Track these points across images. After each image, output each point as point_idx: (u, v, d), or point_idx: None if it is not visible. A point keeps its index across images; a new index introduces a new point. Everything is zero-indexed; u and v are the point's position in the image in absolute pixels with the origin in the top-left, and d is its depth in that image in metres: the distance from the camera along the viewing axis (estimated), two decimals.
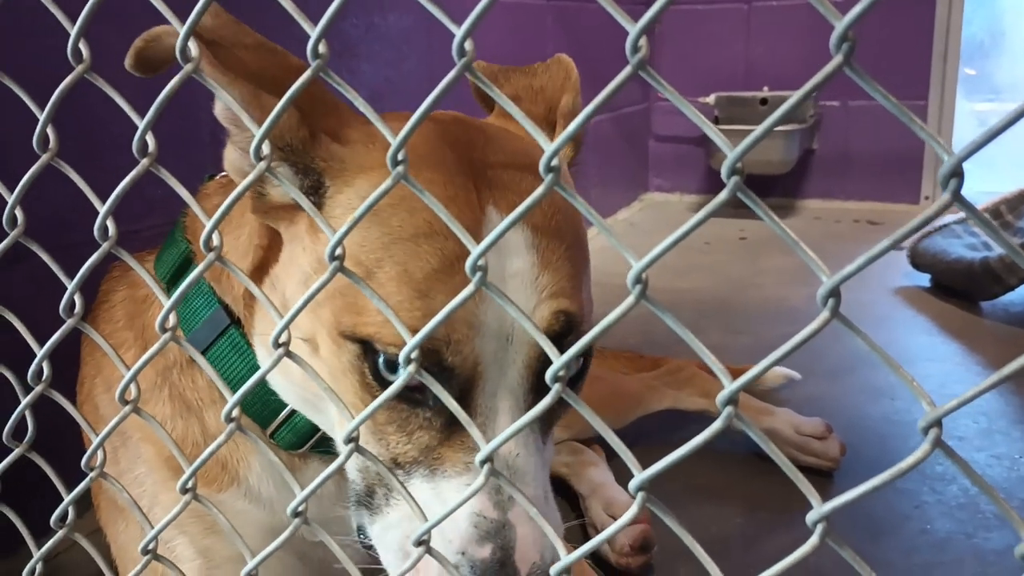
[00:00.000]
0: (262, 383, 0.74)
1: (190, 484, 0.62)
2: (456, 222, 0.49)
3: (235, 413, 0.58)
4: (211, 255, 0.56)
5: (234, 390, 0.74)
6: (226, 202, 0.53)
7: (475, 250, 0.49)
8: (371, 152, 0.64)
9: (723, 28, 3.39)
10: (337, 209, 0.63)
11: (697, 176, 3.51)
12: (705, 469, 1.36)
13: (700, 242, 2.82)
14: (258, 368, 0.73)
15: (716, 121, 3.29)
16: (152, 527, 0.66)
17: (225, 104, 0.62)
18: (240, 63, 0.61)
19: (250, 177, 0.53)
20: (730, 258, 2.70)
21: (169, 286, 0.79)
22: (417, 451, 0.63)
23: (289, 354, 0.55)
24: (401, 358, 0.50)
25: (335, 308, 0.62)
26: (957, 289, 2.20)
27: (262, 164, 0.52)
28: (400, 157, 0.48)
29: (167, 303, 0.59)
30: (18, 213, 0.67)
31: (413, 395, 0.62)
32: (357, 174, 0.63)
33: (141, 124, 0.56)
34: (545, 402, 0.48)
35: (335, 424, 0.69)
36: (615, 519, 1.29)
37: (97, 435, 0.68)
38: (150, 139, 0.56)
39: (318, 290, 0.52)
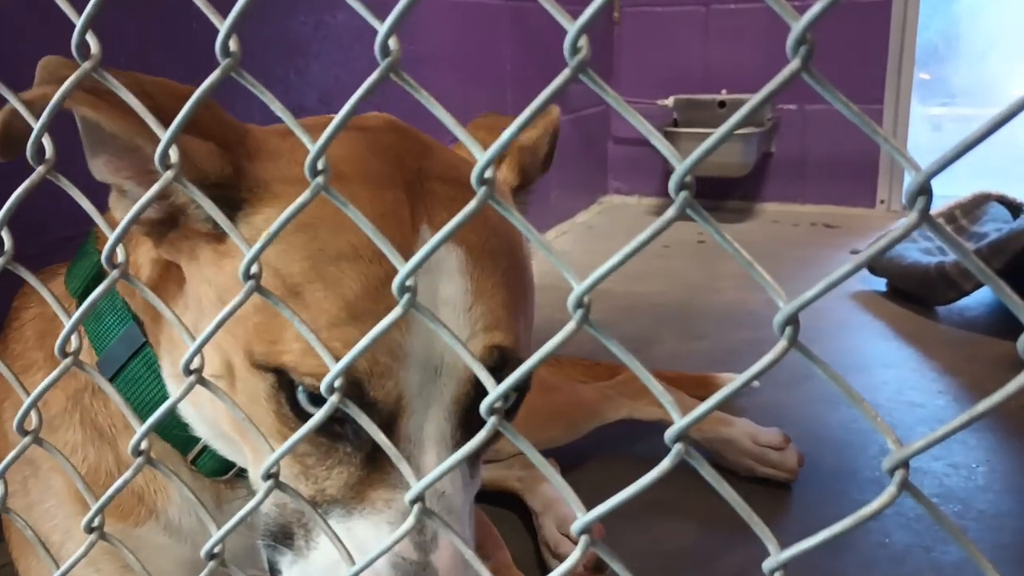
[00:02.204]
0: (176, 410, 0.69)
1: (96, 522, 0.56)
2: (385, 239, 0.45)
3: (143, 445, 0.53)
4: (115, 272, 0.50)
5: (149, 414, 0.69)
6: (127, 217, 0.48)
7: (403, 269, 0.44)
8: (290, 167, 0.59)
9: (681, 30, 3.38)
10: (251, 231, 0.57)
11: (656, 179, 3.49)
12: (661, 483, 1.32)
13: (658, 246, 2.80)
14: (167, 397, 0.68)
15: (675, 124, 3.28)
16: (58, 566, 0.60)
17: (114, 150, 0.58)
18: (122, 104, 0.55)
19: (156, 186, 0.47)
20: (688, 262, 2.68)
21: (80, 301, 0.73)
22: (336, 488, 0.58)
23: (203, 381, 0.50)
24: (323, 387, 0.45)
25: (247, 337, 0.57)
26: (913, 294, 2.20)
27: (169, 173, 0.47)
28: (320, 167, 0.44)
29: (68, 324, 0.53)
30: None
31: (334, 427, 0.57)
32: (275, 193, 0.58)
33: (36, 127, 0.50)
34: (480, 437, 0.44)
35: (249, 460, 0.64)
36: (569, 538, 1.26)
37: (3, 465, 0.63)
38: (47, 143, 0.51)
39: (232, 311, 0.47)
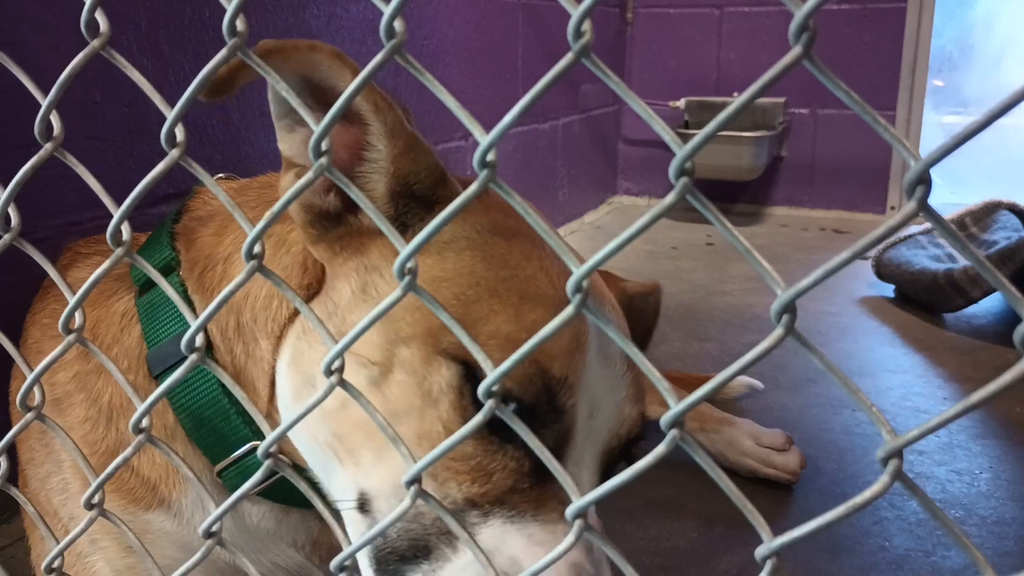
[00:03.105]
0: (224, 416, 0.68)
1: (96, 499, 0.57)
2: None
3: (144, 423, 0.53)
4: (119, 250, 0.51)
5: (192, 417, 0.69)
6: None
7: (403, 251, 0.44)
8: (487, 194, 0.61)
9: (694, 32, 3.37)
10: (445, 235, 0.61)
11: (666, 180, 3.47)
12: (662, 481, 1.33)
13: (667, 247, 2.79)
14: (218, 400, 0.68)
15: (686, 125, 3.28)
16: (58, 542, 0.61)
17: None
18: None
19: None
20: (696, 264, 2.68)
21: (142, 293, 0.73)
22: (500, 490, 0.57)
23: (204, 359, 0.50)
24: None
25: (434, 326, 0.57)
26: (921, 300, 2.20)
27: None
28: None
29: (72, 300, 0.54)
30: None
31: (510, 429, 0.56)
32: (471, 210, 0.61)
33: (44, 103, 0.51)
34: (478, 418, 0.44)
35: (349, 465, 0.60)
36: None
37: (3, 442, 0.63)
38: (55, 120, 0.51)
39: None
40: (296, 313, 0.66)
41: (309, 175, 0.46)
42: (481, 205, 0.63)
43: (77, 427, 0.70)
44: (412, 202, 0.62)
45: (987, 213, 2.43)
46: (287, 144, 0.62)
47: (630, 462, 0.66)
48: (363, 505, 0.60)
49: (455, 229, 0.61)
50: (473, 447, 0.56)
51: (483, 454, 0.57)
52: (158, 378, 0.70)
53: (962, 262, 2.11)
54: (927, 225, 2.51)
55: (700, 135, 0.36)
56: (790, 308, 0.36)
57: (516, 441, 0.57)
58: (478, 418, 0.44)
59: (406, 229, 0.63)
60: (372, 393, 0.58)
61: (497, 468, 0.57)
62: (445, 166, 0.63)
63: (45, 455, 0.75)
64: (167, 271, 0.73)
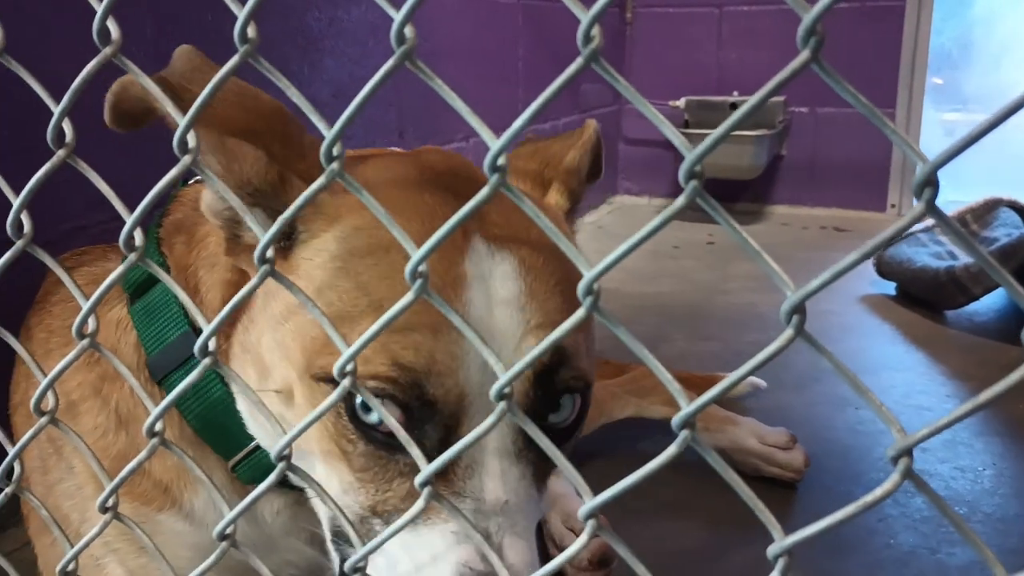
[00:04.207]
0: (231, 415, 0.69)
1: (110, 503, 0.57)
2: (399, 227, 0.45)
3: (158, 427, 0.54)
4: (131, 255, 0.51)
5: (193, 421, 0.70)
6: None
7: (415, 255, 0.45)
8: (349, 196, 0.60)
9: (694, 31, 3.38)
10: (309, 251, 0.60)
11: (666, 180, 3.49)
12: (668, 481, 1.32)
13: (668, 247, 2.80)
14: (223, 401, 0.69)
15: (686, 125, 3.28)
16: (72, 546, 0.61)
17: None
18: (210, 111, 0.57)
19: (174, 170, 0.48)
20: (698, 263, 2.68)
21: (132, 300, 0.74)
22: (397, 499, 0.58)
23: (217, 363, 0.50)
24: (336, 370, 0.46)
25: (306, 351, 0.58)
26: (923, 298, 2.20)
27: (186, 158, 0.48)
28: (335, 153, 0.44)
29: (85, 306, 0.54)
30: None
31: (391, 440, 0.57)
32: (334, 218, 0.60)
33: (56, 110, 0.51)
34: (489, 421, 0.45)
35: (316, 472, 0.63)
36: (575, 532, 1.26)
37: (19, 445, 0.64)
38: (67, 127, 0.52)
39: (248, 293, 0.48)
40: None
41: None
42: (350, 207, 0.61)
43: (88, 434, 0.71)
44: (267, 198, 0.60)
45: (988, 210, 2.43)
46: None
47: (570, 391, 0.63)
48: None
49: (316, 243, 0.60)
50: (363, 462, 0.58)
51: (376, 467, 0.58)
52: (162, 382, 0.71)
53: (963, 259, 2.12)
54: (929, 222, 2.51)
55: (709, 139, 0.36)
56: (800, 309, 0.37)
57: (402, 450, 0.55)
58: (490, 420, 0.44)
59: (296, 232, 0.61)
60: (285, 418, 0.61)
61: (392, 476, 0.58)
62: (275, 167, 0.60)
63: (55, 461, 0.76)
64: (156, 278, 0.73)
